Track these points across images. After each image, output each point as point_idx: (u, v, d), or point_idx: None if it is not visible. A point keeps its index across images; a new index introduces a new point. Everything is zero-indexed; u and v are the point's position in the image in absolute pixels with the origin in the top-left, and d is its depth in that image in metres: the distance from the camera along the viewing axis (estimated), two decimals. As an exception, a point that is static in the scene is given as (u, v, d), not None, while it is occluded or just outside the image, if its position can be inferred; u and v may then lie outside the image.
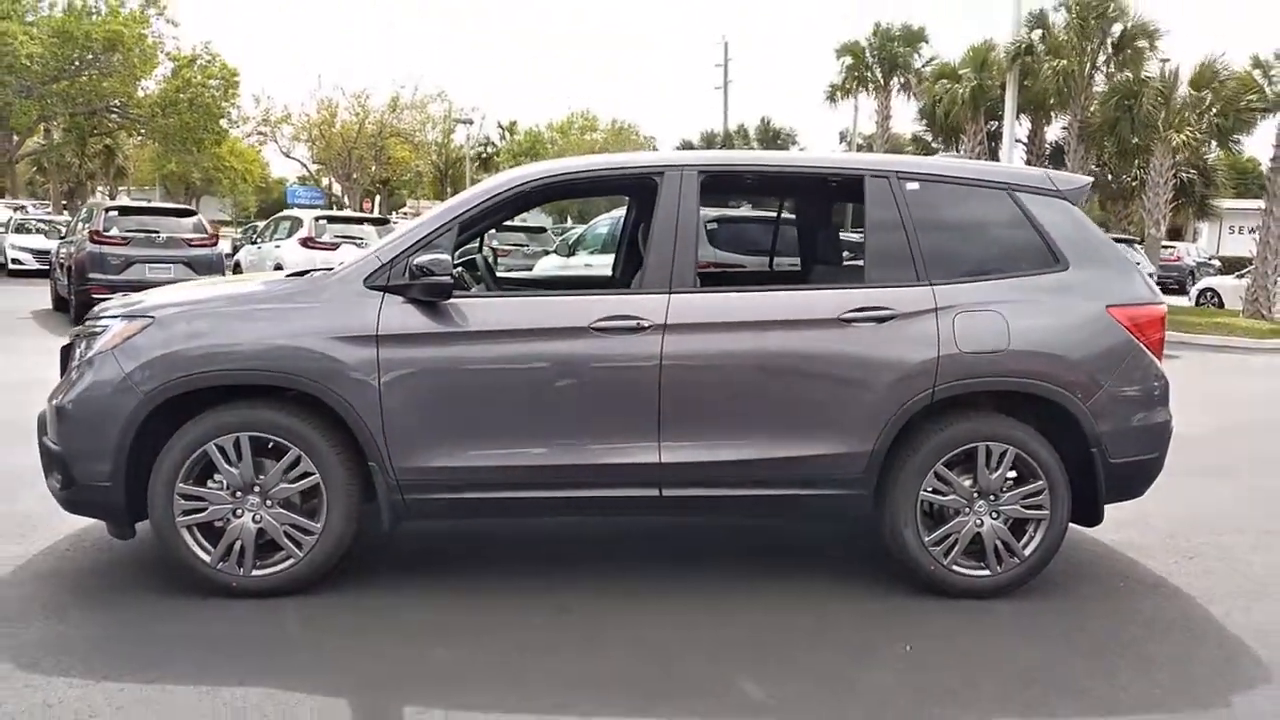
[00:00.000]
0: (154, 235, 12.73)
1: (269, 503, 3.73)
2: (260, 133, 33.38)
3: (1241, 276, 21.86)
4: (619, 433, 3.81)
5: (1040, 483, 3.95)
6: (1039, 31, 20.99)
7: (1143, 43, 20.10)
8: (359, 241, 14.80)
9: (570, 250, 13.32)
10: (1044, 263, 4.07)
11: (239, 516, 3.72)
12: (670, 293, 3.84)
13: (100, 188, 45.70)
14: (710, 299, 3.94)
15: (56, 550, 4.27)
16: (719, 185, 4.46)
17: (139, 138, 33.36)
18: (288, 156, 35.53)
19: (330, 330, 3.68)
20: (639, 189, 4.74)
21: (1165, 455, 4.16)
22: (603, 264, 11.99)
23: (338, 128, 33.55)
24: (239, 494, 3.72)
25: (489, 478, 3.79)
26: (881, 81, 26.06)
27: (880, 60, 25.58)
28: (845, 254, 4.31)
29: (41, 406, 3.97)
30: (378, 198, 42.71)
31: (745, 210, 8.88)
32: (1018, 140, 22.84)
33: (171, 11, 28.03)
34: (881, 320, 3.88)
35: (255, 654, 3.31)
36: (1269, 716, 3.10)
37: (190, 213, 13.80)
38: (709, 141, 44.51)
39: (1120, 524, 4.81)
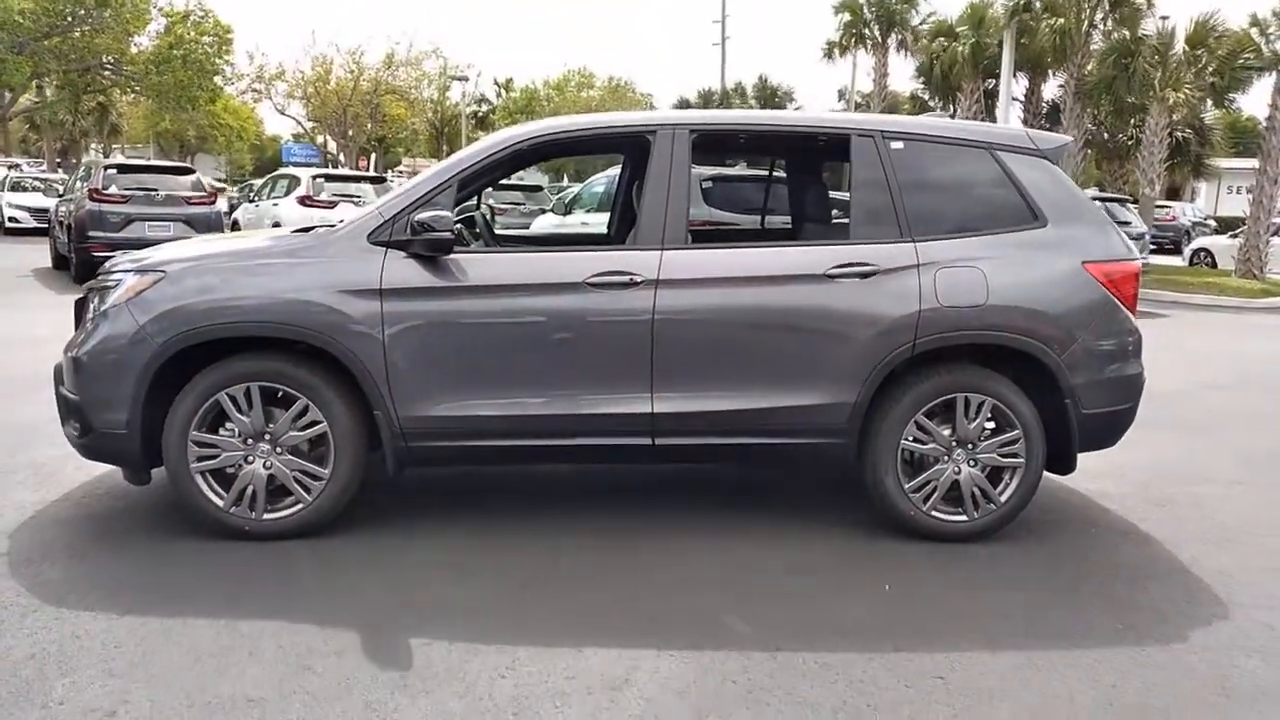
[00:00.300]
0: (153, 193, 12.80)
1: (279, 450, 3.91)
2: (254, 90, 33.18)
3: (1235, 236, 21.97)
4: (613, 383, 3.98)
5: (1016, 432, 4.13)
6: (1037, -13, 20.87)
7: (1139, 0, 20.01)
8: (357, 200, 14.90)
9: (567, 209, 13.41)
10: (1023, 220, 4.21)
11: (250, 463, 3.90)
12: (663, 249, 3.98)
13: (94, 145, 45.44)
14: (701, 255, 4.09)
15: (72, 497, 4.45)
16: (710, 144, 4.58)
17: (132, 95, 33.14)
18: (282, 114, 35.40)
19: (336, 284, 3.83)
20: (634, 148, 4.86)
21: (1137, 406, 4.34)
22: (599, 222, 12.11)
23: (333, 85, 33.34)
24: (250, 441, 3.90)
25: (488, 426, 3.96)
26: (879, 39, 25.92)
27: (878, 17, 25.42)
28: (833, 211, 4.44)
29: (50, 362, 4.12)
30: (373, 155, 42.55)
31: (738, 169, 8.99)
32: (1015, 98, 22.82)
33: (163, -34, 27.74)
34: (865, 276, 4.03)
35: (271, 592, 3.50)
36: (1225, 648, 3.30)
37: (189, 170, 13.84)
38: (706, 99, 44.26)
39: (1096, 474, 5.01)
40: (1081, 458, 4.33)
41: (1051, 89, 23.80)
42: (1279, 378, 9.03)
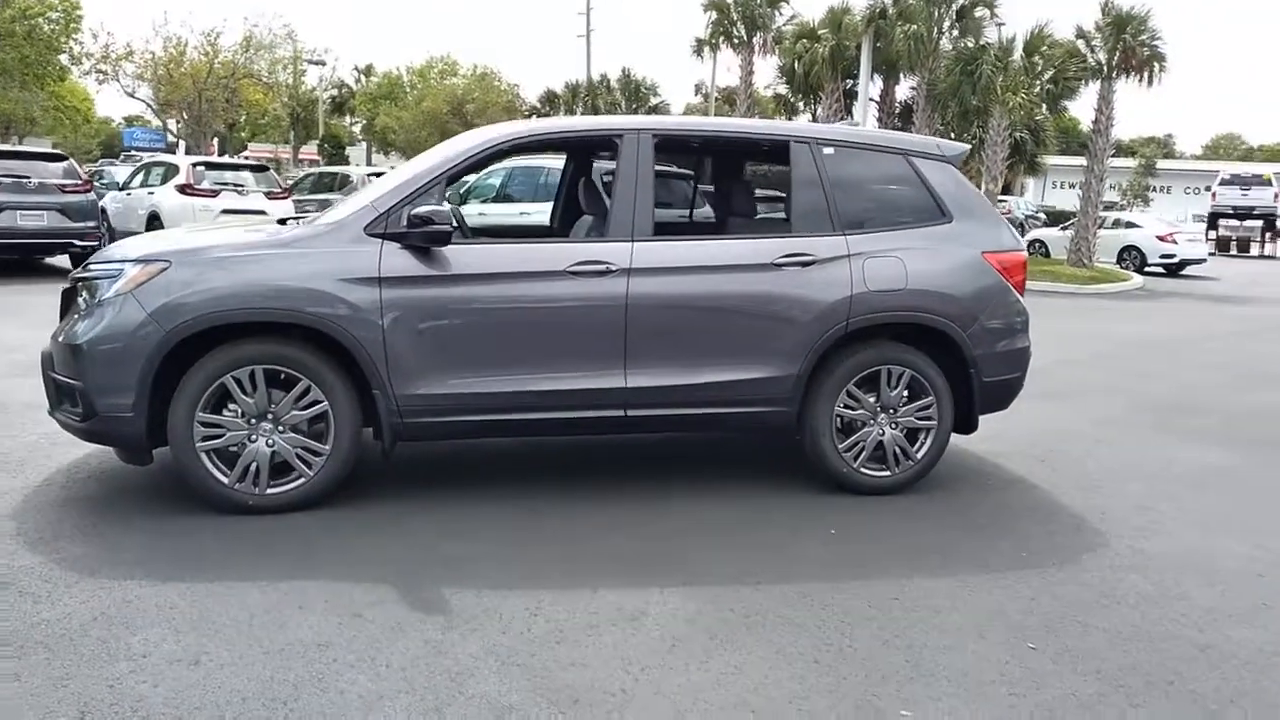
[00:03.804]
0: (24, 180, 12.25)
1: (281, 428, 4.18)
2: (100, 70, 31.36)
3: (1066, 229, 24.09)
4: (592, 361, 4.43)
5: (930, 399, 4.82)
6: (892, -5, 22.26)
7: (982, 11, 21.67)
8: (240, 188, 14.66)
9: (462, 199, 13.60)
10: (933, 216, 4.90)
11: (253, 441, 4.16)
12: (633, 241, 4.46)
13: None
14: (667, 246, 4.59)
15: (55, 482, 4.56)
16: (668, 146, 5.08)
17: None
18: (132, 96, 33.58)
19: (337, 273, 4.13)
20: (579, 148, 5.29)
21: (1025, 375, 5.12)
22: (499, 213, 12.42)
23: (186, 67, 31.90)
24: (253, 421, 4.15)
25: (478, 402, 4.34)
26: (745, 38, 26.94)
27: (744, 17, 26.42)
28: (772, 208, 5.01)
29: None
30: (216, 140, 40.78)
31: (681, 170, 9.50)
32: (871, 99, 24.24)
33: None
34: (805, 265, 4.63)
35: (291, 556, 3.80)
36: (1110, 568, 4.05)
37: (60, 157, 13.26)
38: (573, 91, 44.61)
39: (985, 437, 5.78)
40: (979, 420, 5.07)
41: (904, 91, 25.39)
42: (1121, 353, 10.27)
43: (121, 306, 4.03)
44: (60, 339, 4.21)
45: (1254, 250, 33.17)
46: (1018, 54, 20.57)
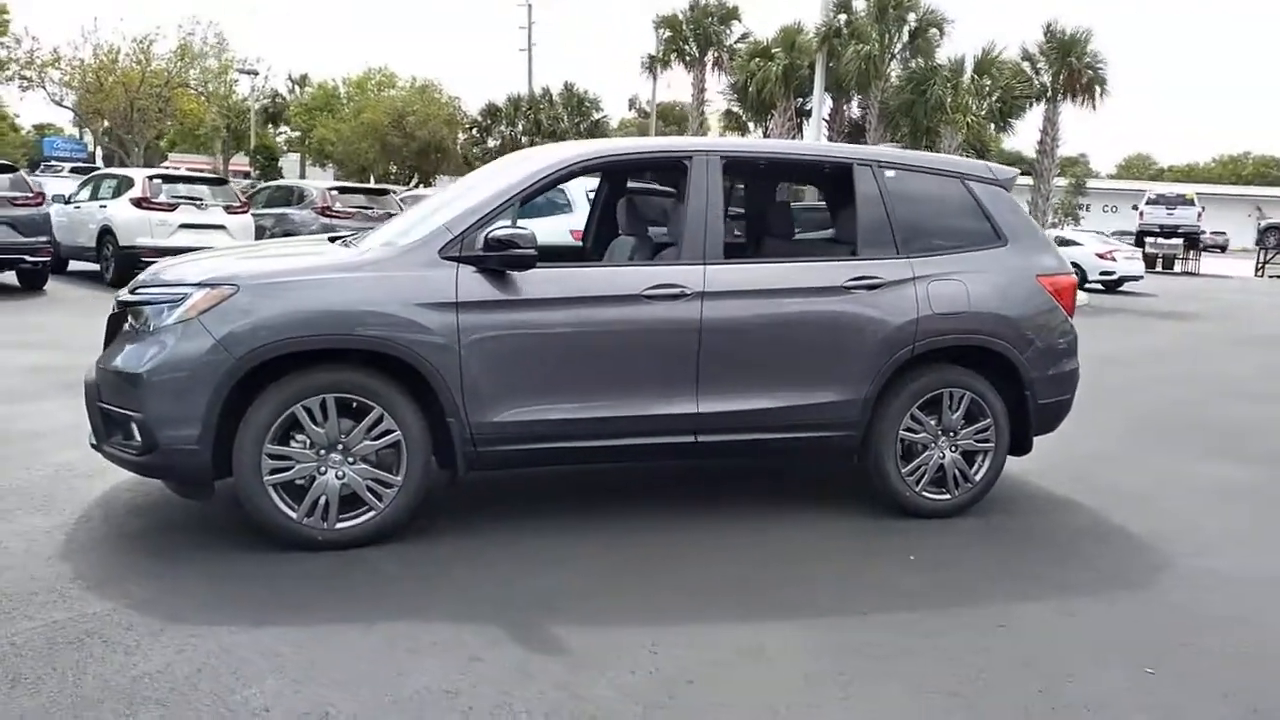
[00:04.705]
0: (-33, 194, 11.65)
1: (351, 459, 3.99)
2: (24, 76, 30.04)
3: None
4: (664, 386, 4.34)
5: (988, 420, 4.84)
6: (843, 16, 22.66)
7: (934, 32, 22.20)
8: (198, 202, 14.17)
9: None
10: (989, 239, 4.93)
11: (323, 473, 3.96)
12: (705, 264, 4.39)
13: None
14: (738, 269, 4.53)
15: (92, 519, 4.29)
16: (733, 168, 5.02)
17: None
18: (59, 104, 32.26)
19: (414, 298, 3.97)
20: (647, 169, 5.22)
21: (1074, 396, 5.17)
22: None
23: (118, 74, 30.78)
24: (323, 452, 3.96)
25: (550, 429, 4.21)
26: (698, 55, 27.14)
27: (696, 35, 26.63)
28: (837, 231, 4.99)
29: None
30: (138, 150, 39.40)
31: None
32: (823, 118, 24.61)
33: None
34: (872, 288, 4.61)
35: (375, 596, 3.61)
36: (1187, 589, 4.09)
37: (10, 169, 12.65)
38: (515, 104, 44.37)
39: (1012, 458, 5.79)
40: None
41: (854, 109, 25.83)
42: (1089, 371, 10.51)
43: (186, 333, 3.81)
44: (111, 367, 3.96)
45: (1178, 267, 34.54)
46: (968, 75, 21.11)
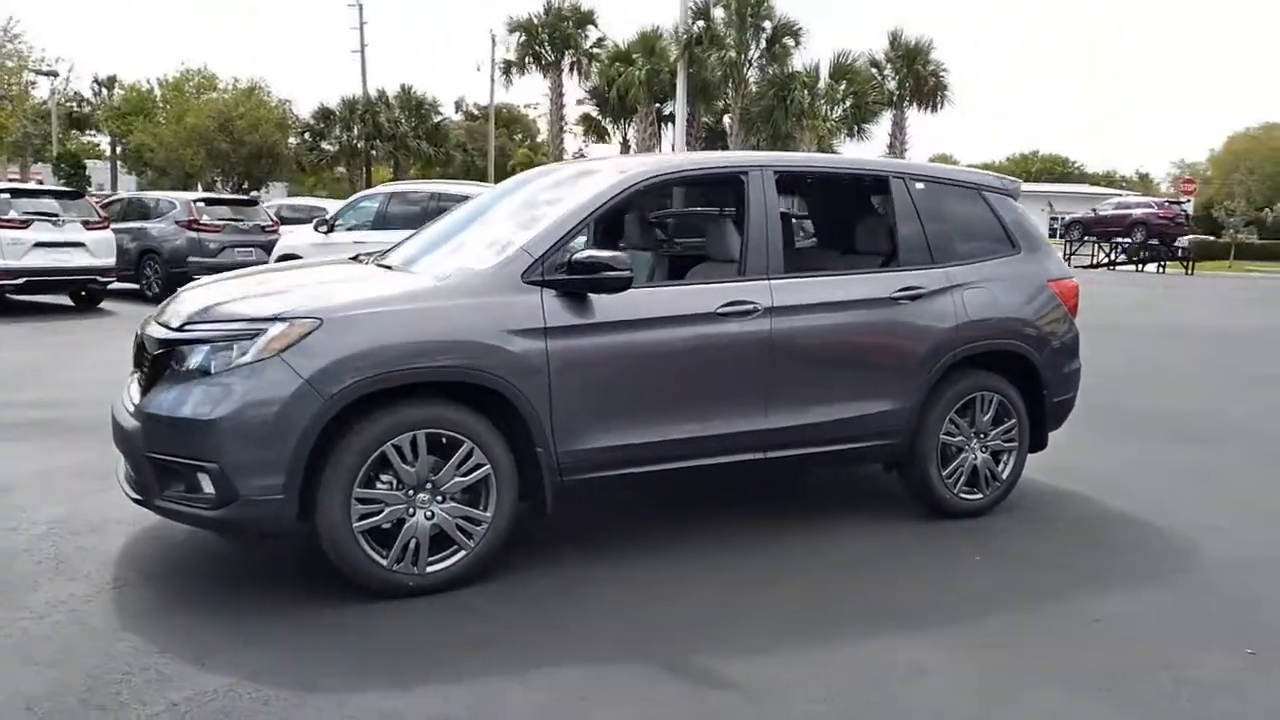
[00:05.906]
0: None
1: (440, 497, 3.75)
2: None
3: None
4: (738, 403, 4.31)
5: (1013, 420, 5.07)
6: (701, 23, 23.12)
7: (789, 40, 22.99)
8: (54, 219, 12.92)
9: (329, 226, 12.71)
10: (1005, 248, 5.16)
11: (412, 515, 3.70)
12: (769, 279, 4.39)
13: None
14: (800, 283, 4.54)
15: (127, 583, 3.85)
16: (784, 183, 5.02)
17: None
18: None
19: (503, 325, 3.78)
20: (705, 185, 5.14)
21: (1077, 394, 5.49)
22: (378, 241, 11.65)
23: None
24: (411, 492, 3.70)
25: (635, 454, 4.09)
26: (554, 59, 27.00)
27: (552, 39, 26.48)
28: (878, 243, 5.07)
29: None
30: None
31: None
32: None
33: None
34: (915, 298, 4.74)
35: (497, 641, 3.41)
36: (1237, 580, 4.35)
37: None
38: (350, 107, 42.77)
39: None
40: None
41: (715, 115, 26.38)
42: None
43: (266, 372, 3.47)
44: (164, 413, 3.56)
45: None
46: (824, 80, 21.98)
